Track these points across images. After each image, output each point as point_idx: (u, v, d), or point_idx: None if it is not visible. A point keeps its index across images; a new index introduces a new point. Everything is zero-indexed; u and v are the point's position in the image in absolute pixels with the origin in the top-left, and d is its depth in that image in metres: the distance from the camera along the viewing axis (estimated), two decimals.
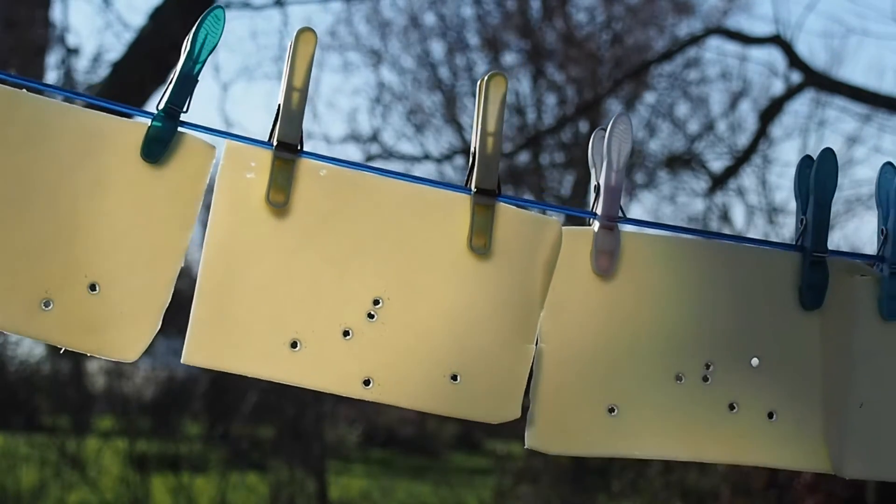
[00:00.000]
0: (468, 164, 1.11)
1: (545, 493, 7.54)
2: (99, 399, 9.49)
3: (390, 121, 11.63)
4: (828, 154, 1.16)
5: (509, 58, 9.80)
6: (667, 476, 7.16)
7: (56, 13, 6.32)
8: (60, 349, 1.03)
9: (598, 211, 1.11)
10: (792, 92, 7.54)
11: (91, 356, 1.03)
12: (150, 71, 4.74)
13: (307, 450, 8.03)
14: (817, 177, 1.15)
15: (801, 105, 10.66)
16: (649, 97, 9.50)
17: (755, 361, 1.13)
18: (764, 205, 9.30)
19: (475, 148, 1.10)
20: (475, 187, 1.09)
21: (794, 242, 1.17)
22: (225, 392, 9.11)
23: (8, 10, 4.70)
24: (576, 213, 1.19)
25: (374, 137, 9.89)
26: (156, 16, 4.89)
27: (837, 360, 1.14)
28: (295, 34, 1.06)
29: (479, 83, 1.11)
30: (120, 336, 1.02)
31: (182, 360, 1.03)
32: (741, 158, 8.36)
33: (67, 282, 1.01)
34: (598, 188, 1.12)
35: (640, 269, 1.11)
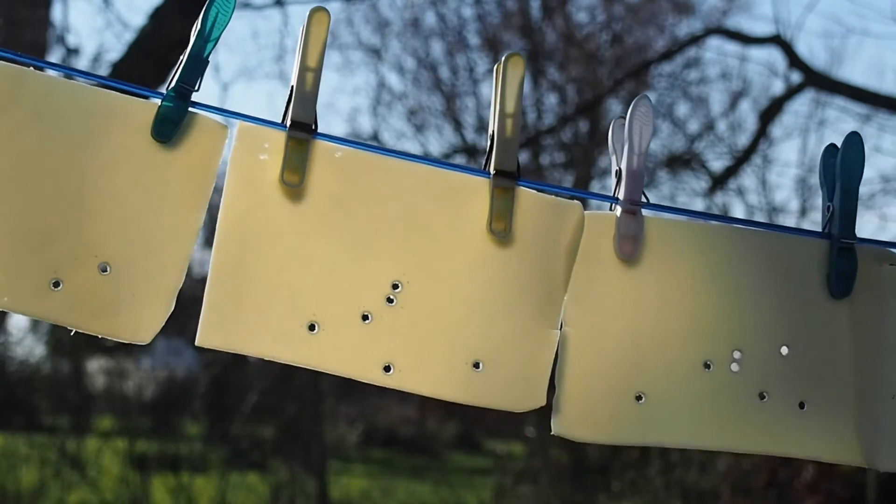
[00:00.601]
0: (487, 148, 1.08)
1: (545, 493, 7.53)
2: (99, 399, 9.49)
3: (390, 120, 11.63)
4: (854, 139, 1.13)
5: None
6: (667, 476, 7.16)
7: (56, 13, 6.33)
8: (71, 331, 1.00)
9: (621, 196, 1.09)
10: (792, 92, 7.54)
11: (103, 337, 1.00)
12: (150, 71, 4.74)
13: (307, 450, 8.03)
14: (843, 163, 1.13)
15: (801, 105, 10.68)
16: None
17: (784, 350, 1.11)
18: (764, 205, 9.30)
19: (493, 130, 1.07)
20: (494, 169, 1.06)
21: (821, 230, 1.15)
22: (225, 392, 9.11)
23: (8, 10, 4.70)
24: (598, 197, 1.17)
25: (375, 137, 9.89)
26: (156, 16, 4.89)
27: (868, 350, 1.12)
28: (308, 14, 1.03)
29: (495, 66, 1.08)
30: (132, 318, 1.00)
31: (196, 343, 1.01)
32: (741, 158, 8.36)
33: (77, 262, 0.98)
34: (619, 173, 1.10)
35: (665, 255, 1.09)
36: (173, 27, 4.43)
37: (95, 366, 10.02)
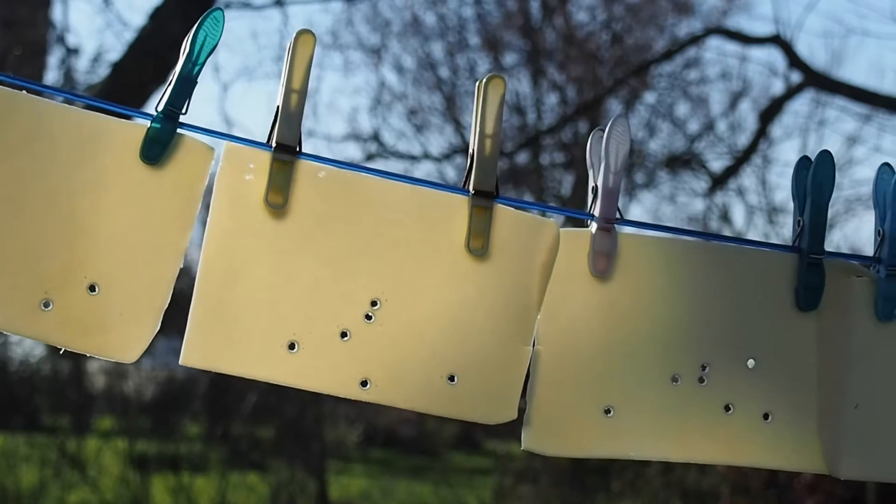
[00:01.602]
0: (467, 166, 1.11)
1: (545, 493, 7.54)
2: (99, 399, 9.50)
3: (390, 120, 11.62)
4: (825, 157, 1.16)
5: (509, 58, 9.80)
6: (666, 476, 7.16)
7: (56, 13, 6.32)
8: (60, 349, 1.03)
9: (596, 212, 1.11)
10: (792, 92, 7.55)
11: (91, 356, 1.03)
12: (150, 71, 4.74)
13: (307, 450, 8.03)
14: (814, 179, 1.15)
15: (801, 105, 10.68)
16: (649, 97, 9.49)
17: (751, 363, 1.13)
18: (764, 205, 9.30)
19: (473, 150, 1.10)
20: (473, 189, 1.09)
21: (791, 244, 1.17)
22: (225, 392, 9.11)
23: (8, 10, 4.70)
24: (573, 214, 1.19)
25: (375, 137, 9.89)
26: (156, 16, 4.89)
27: (833, 361, 1.14)
28: (294, 36, 1.06)
29: (477, 85, 1.10)
30: (120, 337, 1.02)
31: (180, 362, 1.03)
32: (741, 158, 8.36)
33: (67, 282, 1.01)
34: (595, 189, 1.12)
35: (637, 271, 1.11)
36: (173, 27, 4.43)
37: (95, 366, 10.02)
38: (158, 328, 1.03)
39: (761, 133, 7.99)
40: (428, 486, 9.02)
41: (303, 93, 1.05)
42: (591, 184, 1.14)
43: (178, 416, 9.18)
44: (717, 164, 9.11)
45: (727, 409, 1.12)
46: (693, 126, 9.61)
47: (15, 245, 1.00)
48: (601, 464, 7.79)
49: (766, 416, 1.13)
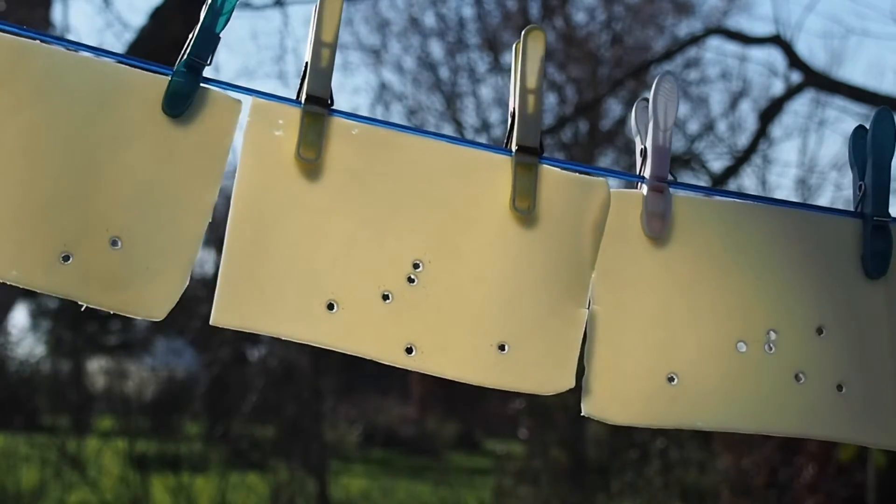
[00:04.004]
0: (508, 125, 1.06)
1: (545, 493, 7.54)
2: (99, 399, 9.51)
3: (391, 120, 11.61)
4: (885, 115, 1.11)
5: (509, 58, 9.79)
6: (666, 476, 7.16)
7: (56, 13, 6.33)
8: (81, 306, 0.98)
9: (647, 174, 1.06)
10: (792, 92, 7.54)
11: (116, 313, 0.98)
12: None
13: (307, 450, 8.03)
14: (875, 139, 1.11)
15: (801, 105, 10.70)
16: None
17: (820, 331, 1.08)
18: None
19: (514, 107, 1.04)
20: (516, 145, 1.03)
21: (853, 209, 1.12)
22: (225, 392, 9.11)
23: (8, 10, 4.70)
24: (623, 176, 1.14)
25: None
26: (156, 16, 4.88)
27: None
28: None
29: (515, 44, 1.06)
30: (145, 293, 0.97)
31: (211, 322, 0.98)
32: (741, 158, 8.36)
33: (88, 236, 0.96)
34: (644, 151, 1.08)
35: (694, 233, 1.07)
36: (173, 27, 4.43)
37: (95, 366, 10.03)
38: (187, 283, 0.98)
39: (761, 133, 7.99)
40: (428, 486, 9.02)
41: (333, 47, 1.01)
42: (638, 147, 1.09)
43: (179, 416, 9.19)
44: (718, 165, 9.12)
45: (797, 378, 1.07)
46: (693, 126, 9.62)
47: (31, 197, 0.95)
48: (601, 463, 7.79)
49: (839, 387, 1.07)
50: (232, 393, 8.99)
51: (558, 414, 7.53)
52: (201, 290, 6.23)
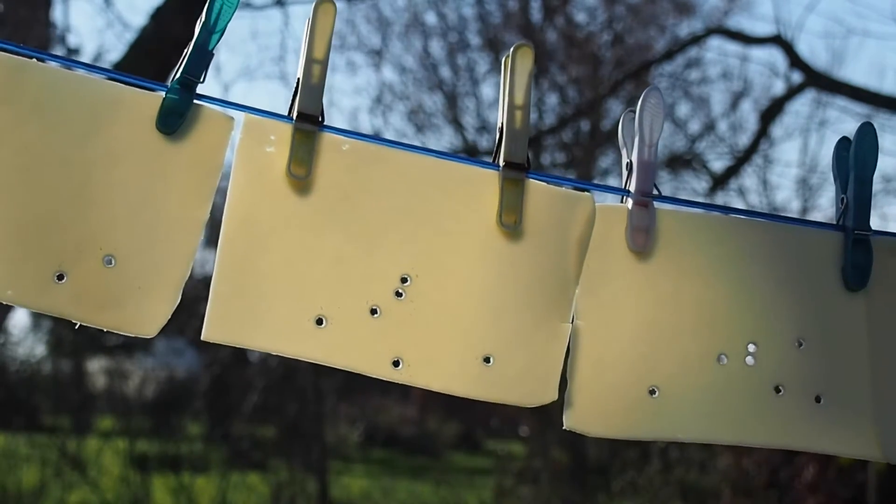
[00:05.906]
0: (495, 141, 1.07)
1: (545, 493, 7.53)
2: (99, 399, 9.50)
3: (391, 120, 11.62)
4: (867, 129, 1.13)
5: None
6: (666, 475, 7.16)
7: (56, 13, 6.33)
8: (75, 325, 0.99)
9: (632, 188, 1.08)
10: (793, 92, 7.54)
11: (109, 331, 0.99)
12: (151, 71, 4.74)
13: (308, 450, 8.03)
14: (857, 153, 1.12)
15: (801, 105, 10.69)
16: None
17: (800, 343, 1.09)
18: (765, 205, 9.30)
19: (502, 122, 1.06)
20: (504, 161, 1.05)
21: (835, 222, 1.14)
22: (225, 392, 9.11)
23: (8, 10, 4.70)
24: (608, 190, 1.15)
25: (376, 137, 9.87)
26: (156, 15, 4.88)
27: (885, 342, 1.10)
28: (314, 5, 1.03)
29: (504, 58, 1.07)
30: (138, 310, 0.98)
31: (202, 337, 1.00)
32: (742, 158, 8.36)
33: (82, 254, 0.97)
34: (630, 165, 1.09)
35: (677, 247, 1.08)
36: (174, 27, 4.43)
37: (96, 366, 10.03)
38: (178, 301, 1.00)
39: (762, 133, 7.99)
40: (428, 486, 9.02)
41: (324, 63, 1.02)
42: (624, 160, 1.11)
43: (179, 416, 9.18)
44: (718, 164, 9.11)
45: (777, 390, 1.08)
46: (694, 126, 9.61)
47: (26, 216, 0.96)
48: (601, 463, 7.79)
49: (817, 399, 1.09)
50: (232, 393, 8.99)
51: (558, 414, 7.52)
52: (202, 290, 6.23)
